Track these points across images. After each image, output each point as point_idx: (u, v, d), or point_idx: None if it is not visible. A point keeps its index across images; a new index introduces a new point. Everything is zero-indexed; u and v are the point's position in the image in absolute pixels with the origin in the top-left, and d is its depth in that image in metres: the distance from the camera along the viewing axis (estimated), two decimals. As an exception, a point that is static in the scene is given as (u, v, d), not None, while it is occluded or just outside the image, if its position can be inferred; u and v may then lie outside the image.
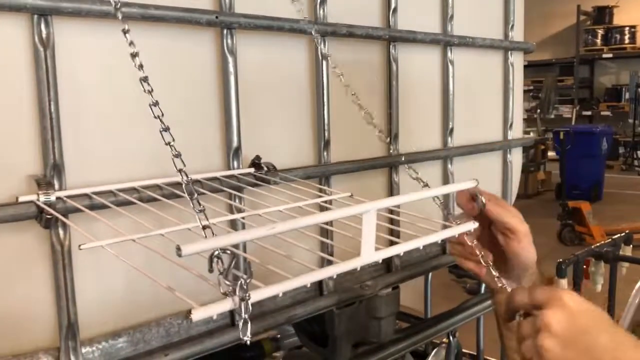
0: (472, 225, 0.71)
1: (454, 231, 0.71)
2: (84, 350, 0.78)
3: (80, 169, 0.78)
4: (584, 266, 3.07)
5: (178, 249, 0.43)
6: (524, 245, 0.79)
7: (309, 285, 0.53)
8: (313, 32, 0.93)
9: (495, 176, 1.51)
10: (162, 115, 0.59)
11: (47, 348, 0.76)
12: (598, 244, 2.75)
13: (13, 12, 0.70)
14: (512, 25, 1.46)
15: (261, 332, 0.98)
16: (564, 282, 2.83)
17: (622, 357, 0.60)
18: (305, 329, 1.23)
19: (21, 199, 0.72)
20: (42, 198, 0.71)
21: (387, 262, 1.21)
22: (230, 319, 0.94)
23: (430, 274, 2.08)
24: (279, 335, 1.56)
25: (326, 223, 0.86)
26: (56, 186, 0.74)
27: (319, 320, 1.18)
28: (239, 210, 0.86)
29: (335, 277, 1.07)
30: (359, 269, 0.57)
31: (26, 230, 0.74)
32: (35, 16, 0.71)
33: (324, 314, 1.10)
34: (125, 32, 0.62)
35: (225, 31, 0.89)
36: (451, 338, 1.47)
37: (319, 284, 1.07)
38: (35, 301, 0.76)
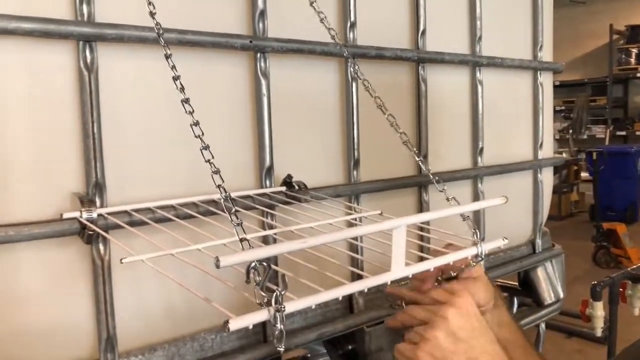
0: (501, 242, 0.71)
1: (483, 248, 0.71)
2: (121, 363, 0.80)
3: (121, 187, 0.81)
4: (620, 289, 3.00)
5: (217, 260, 0.45)
6: (480, 285, 0.77)
7: (340, 299, 0.55)
8: (345, 53, 0.95)
9: (526, 195, 1.50)
10: (203, 134, 0.61)
11: (86, 360, 0.79)
12: (635, 267, 2.68)
13: (61, 39, 0.74)
14: (541, 46, 1.47)
15: (292, 348, 1.00)
16: (599, 305, 2.76)
17: None
18: (336, 347, 1.23)
19: (65, 215, 0.75)
20: (85, 215, 0.75)
21: (417, 281, 1.21)
22: (263, 335, 0.95)
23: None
24: (309, 355, 1.56)
25: (357, 239, 0.88)
26: (97, 203, 0.78)
27: (350, 339, 1.18)
28: (271, 227, 0.88)
29: (366, 293, 1.08)
30: (389, 283, 0.58)
31: (69, 246, 0.77)
32: (81, 43, 0.76)
33: (354, 332, 1.11)
34: (167, 56, 0.65)
35: (258, 55, 0.92)
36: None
37: (349, 302, 1.08)
38: (76, 314, 0.79)
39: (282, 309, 0.48)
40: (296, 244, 0.52)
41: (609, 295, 2.90)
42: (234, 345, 0.92)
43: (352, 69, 0.85)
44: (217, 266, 0.46)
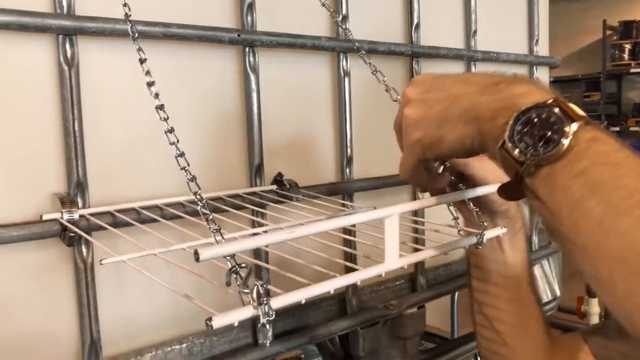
0: (501, 231, 0.68)
1: (484, 236, 0.68)
2: (106, 369, 0.77)
3: (104, 187, 0.78)
4: (616, 285, 2.97)
5: (196, 253, 0.43)
6: (485, 166, 0.70)
7: (332, 292, 0.52)
8: (356, 46, 0.93)
9: (522, 193, 1.48)
10: (178, 141, 0.58)
11: (69, 366, 0.76)
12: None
13: (39, 33, 0.71)
14: (537, 40, 1.44)
15: (284, 352, 0.97)
16: (594, 302, 2.75)
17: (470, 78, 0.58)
18: (329, 349, 1.21)
19: (45, 217, 0.72)
20: (66, 216, 0.72)
21: (412, 281, 1.18)
22: (253, 339, 0.92)
23: (457, 294, 2.04)
24: (302, 355, 1.54)
25: (349, 234, 0.85)
26: (79, 204, 0.75)
27: (343, 341, 1.16)
28: (261, 226, 0.85)
29: (359, 294, 1.05)
30: (383, 275, 0.55)
31: (49, 248, 0.74)
32: (61, 36, 0.73)
33: (347, 333, 1.09)
34: (142, 61, 0.62)
35: (247, 49, 0.89)
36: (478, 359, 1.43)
37: (343, 304, 1.05)
38: (58, 319, 0.76)
39: (264, 301, 0.45)
40: (282, 234, 0.49)
41: (605, 292, 2.88)
42: (223, 349, 0.89)
43: (364, 61, 0.81)
44: (197, 259, 0.43)
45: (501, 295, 0.79)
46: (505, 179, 0.53)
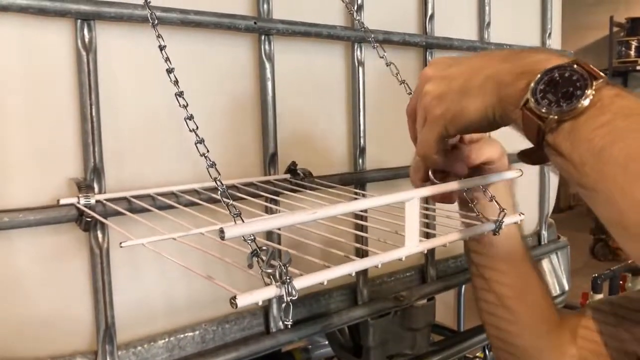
0: (519, 218, 0.68)
1: (502, 222, 0.67)
2: (119, 354, 0.78)
3: (119, 172, 0.78)
4: (620, 282, 2.99)
5: (221, 231, 0.42)
6: (483, 143, 0.70)
7: (353, 275, 0.52)
8: (371, 38, 0.92)
9: (532, 185, 1.48)
10: (197, 128, 0.58)
11: (84, 351, 0.76)
12: (635, 259, 2.67)
13: (58, 17, 0.71)
14: (550, 33, 1.44)
15: (296, 340, 0.97)
16: (599, 297, 2.75)
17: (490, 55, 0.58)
18: (338, 340, 1.21)
19: (62, 201, 0.72)
20: (83, 201, 0.72)
21: (422, 273, 1.18)
22: (265, 327, 0.93)
23: (463, 287, 2.05)
24: (310, 346, 1.55)
25: (362, 219, 0.85)
26: (96, 189, 0.75)
27: (353, 331, 1.16)
28: (274, 213, 0.85)
29: (370, 284, 1.05)
30: (403, 259, 0.55)
31: (65, 233, 0.74)
32: (79, 21, 0.72)
33: (357, 324, 1.09)
34: (161, 48, 0.61)
35: (263, 37, 0.89)
36: (487, 352, 1.44)
37: (354, 294, 1.05)
38: (74, 304, 0.76)
39: (288, 280, 0.45)
40: (305, 215, 0.49)
41: (609, 288, 2.89)
42: (235, 336, 0.90)
43: (378, 53, 0.81)
44: (222, 238, 0.43)
45: (500, 258, 0.78)
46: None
